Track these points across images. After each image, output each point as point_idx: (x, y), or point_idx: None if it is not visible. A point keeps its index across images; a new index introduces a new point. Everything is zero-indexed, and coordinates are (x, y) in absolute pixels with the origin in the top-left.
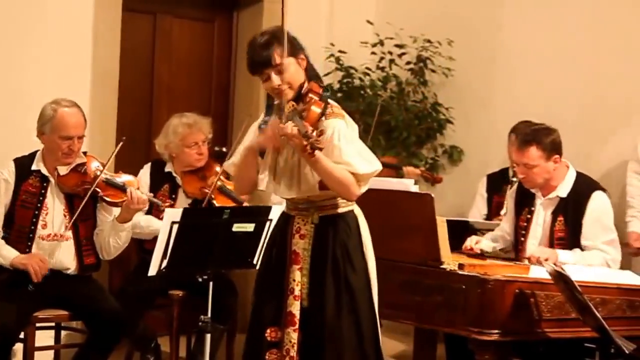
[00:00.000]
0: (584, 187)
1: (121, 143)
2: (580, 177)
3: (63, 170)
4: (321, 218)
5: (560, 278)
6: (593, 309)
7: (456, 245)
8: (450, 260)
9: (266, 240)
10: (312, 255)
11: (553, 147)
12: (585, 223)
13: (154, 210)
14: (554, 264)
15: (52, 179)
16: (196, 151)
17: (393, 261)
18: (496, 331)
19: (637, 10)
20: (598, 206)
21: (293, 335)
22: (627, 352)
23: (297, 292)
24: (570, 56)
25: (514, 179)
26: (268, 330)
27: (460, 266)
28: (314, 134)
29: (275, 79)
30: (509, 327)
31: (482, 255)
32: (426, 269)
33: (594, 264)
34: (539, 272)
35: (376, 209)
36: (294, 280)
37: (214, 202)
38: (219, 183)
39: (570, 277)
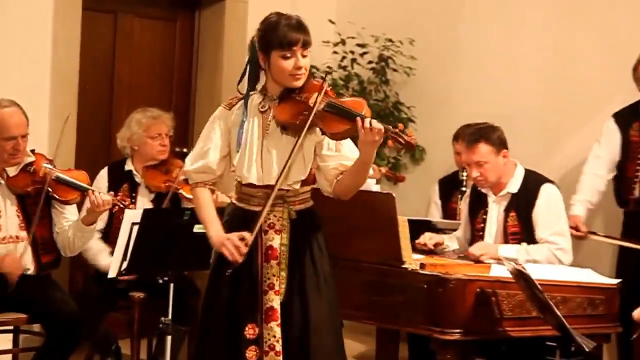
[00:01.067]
0: (533, 181)
1: (65, 122)
2: (529, 173)
3: (12, 171)
4: (297, 213)
5: (520, 277)
6: (553, 307)
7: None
8: (411, 260)
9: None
10: (291, 250)
11: (500, 142)
12: (537, 216)
13: (116, 211)
14: (502, 260)
15: (1, 181)
16: (159, 142)
17: (355, 261)
18: (458, 330)
19: (596, 10)
20: (547, 197)
21: (277, 330)
22: (587, 350)
23: (276, 286)
24: (529, 55)
25: (465, 178)
26: (247, 327)
27: (422, 266)
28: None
29: (302, 60)
30: (471, 326)
31: (435, 252)
32: (388, 268)
33: (537, 257)
34: (500, 271)
35: (338, 209)
36: (274, 276)
37: (182, 192)
38: (182, 175)
39: (530, 276)
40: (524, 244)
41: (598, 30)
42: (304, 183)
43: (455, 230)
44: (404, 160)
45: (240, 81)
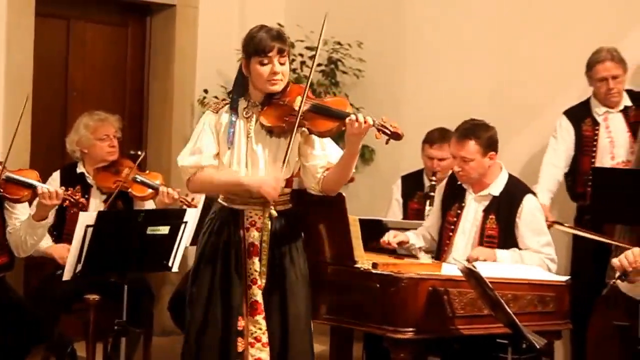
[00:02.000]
0: (517, 189)
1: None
2: (512, 178)
3: None
4: (278, 212)
5: (471, 275)
6: (504, 305)
7: (370, 244)
8: (364, 260)
9: (207, 232)
10: (271, 247)
11: (490, 144)
12: (522, 228)
13: (69, 207)
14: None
15: None
16: (108, 144)
17: (309, 261)
18: (411, 329)
19: (540, 11)
20: (531, 210)
21: (262, 323)
22: (538, 347)
23: (259, 281)
24: (476, 57)
25: (433, 180)
26: (239, 319)
27: (374, 265)
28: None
29: (278, 66)
30: (423, 325)
31: (396, 252)
32: (340, 268)
33: (531, 264)
34: (452, 270)
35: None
36: (256, 271)
37: (131, 191)
38: (132, 174)
39: (481, 274)
40: (517, 250)
41: (542, 31)
42: (287, 185)
43: (406, 230)
44: None
45: (233, 91)
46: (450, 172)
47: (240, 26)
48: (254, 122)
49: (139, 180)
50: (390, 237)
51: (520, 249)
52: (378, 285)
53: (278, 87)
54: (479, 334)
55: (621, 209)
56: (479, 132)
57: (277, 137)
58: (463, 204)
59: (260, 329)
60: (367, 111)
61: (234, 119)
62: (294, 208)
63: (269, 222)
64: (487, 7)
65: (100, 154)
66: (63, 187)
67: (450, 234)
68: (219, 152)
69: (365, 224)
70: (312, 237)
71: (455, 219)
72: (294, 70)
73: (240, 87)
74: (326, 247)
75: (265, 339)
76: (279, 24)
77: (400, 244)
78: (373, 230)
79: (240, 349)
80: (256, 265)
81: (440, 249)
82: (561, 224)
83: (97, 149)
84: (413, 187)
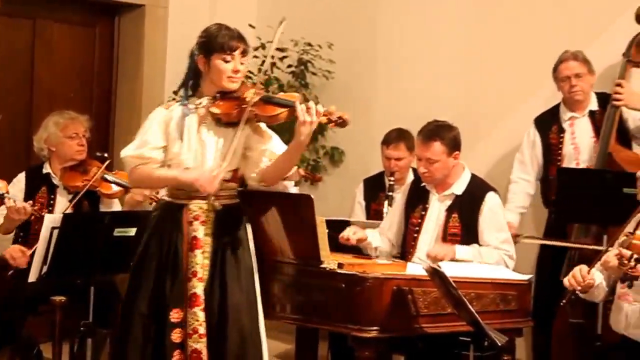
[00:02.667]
0: (479, 187)
1: None
2: (474, 177)
3: None
4: (223, 206)
5: (436, 275)
6: (467, 303)
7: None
8: (330, 260)
9: (151, 227)
10: (214, 240)
11: (454, 144)
12: (482, 224)
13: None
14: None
15: None
16: (77, 142)
17: (275, 261)
18: (375, 328)
19: (510, 15)
20: (493, 206)
21: (200, 315)
22: (499, 344)
23: (200, 274)
24: (445, 58)
25: (392, 183)
26: (172, 312)
27: (340, 265)
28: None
29: (240, 65)
30: (388, 323)
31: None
32: (307, 268)
33: (490, 260)
34: (416, 270)
35: (258, 210)
36: (197, 264)
37: (100, 189)
38: (100, 174)
39: (445, 274)
40: (476, 246)
41: (512, 35)
42: (233, 179)
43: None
44: (324, 162)
45: (180, 87)
46: (409, 172)
47: None
48: (205, 113)
49: (108, 179)
50: (350, 234)
51: (480, 245)
52: (343, 285)
53: (236, 86)
54: (443, 332)
55: (585, 209)
56: (443, 133)
57: (226, 127)
58: (427, 205)
59: (198, 320)
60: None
61: (185, 112)
62: (239, 205)
63: (213, 216)
64: (457, 11)
65: (68, 152)
66: (30, 202)
67: (415, 235)
68: (168, 145)
69: (332, 224)
70: (278, 237)
71: (419, 220)
72: (264, 72)
73: (193, 85)
74: (292, 247)
75: (202, 330)
76: (251, 25)
77: (359, 240)
78: (340, 231)
79: (178, 340)
80: (198, 258)
81: (405, 250)
82: (526, 237)
83: (66, 147)
84: (375, 189)
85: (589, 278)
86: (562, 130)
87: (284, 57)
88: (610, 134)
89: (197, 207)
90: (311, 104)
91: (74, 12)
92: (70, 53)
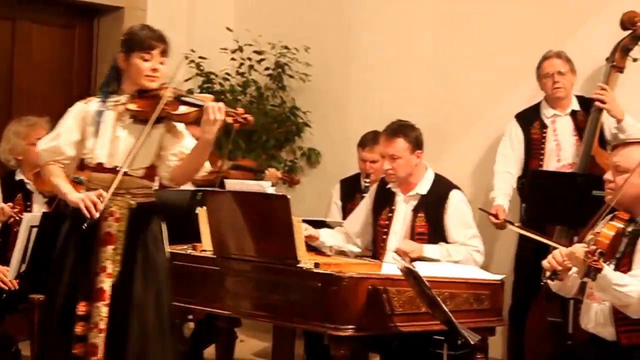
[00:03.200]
0: (443, 186)
1: None
2: (438, 177)
3: None
4: (138, 204)
5: (410, 274)
6: (441, 303)
7: None
8: (306, 259)
9: (67, 221)
10: (127, 237)
11: (417, 142)
12: (449, 221)
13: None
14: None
15: None
16: None
17: (252, 261)
18: (351, 327)
19: (485, 16)
20: (458, 203)
21: (103, 310)
22: (472, 343)
23: (109, 270)
24: (419, 61)
25: (367, 185)
26: (80, 305)
27: (316, 265)
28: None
29: (158, 64)
30: (363, 322)
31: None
32: (283, 268)
33: (457, 257)
34: (391, 269)
35: (234, 210)
36: (107, 259)
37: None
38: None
39: (419, 273)
40: (444, 244)
41: (486, 37)
42: (147, 177)
43: None
44: (301, 164)
45: (103, 84)
46: (381, 176)
47: (189, 29)
48: (123, 110)
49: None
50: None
51: (448, 243)
52: (320, 284)
53: (154, 84)
54: (417, 331)
55: (556, 210)
56: (406, 131)
57: (141, 124)
58: (393, 207)
59: (100, 315)
60: (314, 115)
61: (102, 108)
62: (155, 204)
63: (127, 213)
64: (431, 14)
65: (36, 159)
66: (11, 204)
67: (384, 236)
68: (83, 139)
69: (309, 224)
70: (253, 238)
71: (387, 222)
72: (242, 75)
73: (114, 81)
74: (268, 247)
75: (102, 325)
76: (228, 28)
77: (309, 237)
78: None
79: (80, 333)
80: (108, 253)
81: (375, 252)
82: (512, 223)
83: (32, 154)
84: (352, 189)
85: (567, 261)
86: (544, 126)
87: (262, 59)
88: (593, 136)
89: (112, 203)
90: (221, 104)
91: (54, 14)
92: (49, 54)
